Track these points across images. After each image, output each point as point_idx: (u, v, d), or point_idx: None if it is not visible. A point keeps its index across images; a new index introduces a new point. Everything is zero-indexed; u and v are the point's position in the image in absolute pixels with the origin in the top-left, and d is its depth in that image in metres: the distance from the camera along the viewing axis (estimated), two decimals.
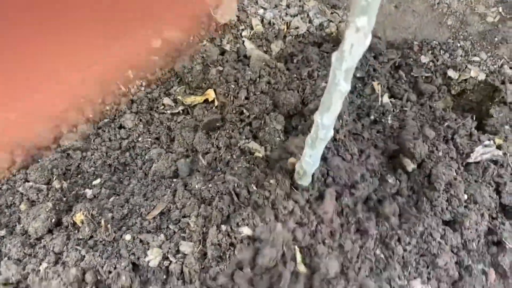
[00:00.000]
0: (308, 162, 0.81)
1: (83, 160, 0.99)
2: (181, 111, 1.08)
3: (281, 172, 0.90)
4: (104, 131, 1.04)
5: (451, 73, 1.14)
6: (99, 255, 0.79)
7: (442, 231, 0.92)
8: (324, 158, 0.94)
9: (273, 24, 1.18)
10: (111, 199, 0.93)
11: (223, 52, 1.13)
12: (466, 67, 1.15)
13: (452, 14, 1.19)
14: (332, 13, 1.20)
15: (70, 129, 1.01)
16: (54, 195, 0.89)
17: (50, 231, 0.84)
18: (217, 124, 1.02)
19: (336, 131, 0.98)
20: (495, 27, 1.18)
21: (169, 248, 0.79)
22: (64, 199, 0.91)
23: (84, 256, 0.78)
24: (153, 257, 0.78)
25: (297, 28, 1.19)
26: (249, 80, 1.06)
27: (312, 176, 0.88)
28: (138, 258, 0.78)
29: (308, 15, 1.20)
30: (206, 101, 1.08)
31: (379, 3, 0.52)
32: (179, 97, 1.08)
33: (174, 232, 0.82)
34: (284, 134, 1.02)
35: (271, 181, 0.91)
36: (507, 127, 1.12)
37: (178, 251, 0.79)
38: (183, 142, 1.01)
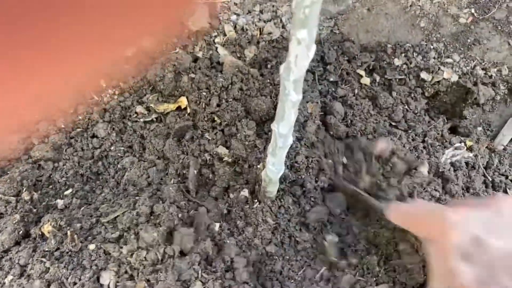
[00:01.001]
0: (272, 170, 0.81)
1: (54, 170, 0.99)
2: (154, 119, 1.08)
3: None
4: (77, 140, 1.04)
5: (424, 75, 1.15)
6: (64, 267, 0.79)
7: None
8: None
9: (246, 30, 1.18)
10: (82, 208, 0.94)
11: (195, 59, 1.13)
12: (439, 69, 1.15)
13: (425, 16, 1.19)
14: None
15: (41, 140, 1.01)
16: (23, 207, 0.90)
17: (17, 243, 0.84)
18: (189, 131, 1.02)
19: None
20: (468, 28, 1.18)
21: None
22: (34, 210, 0.91)
23: (49, 268, 0.79)
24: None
25: (270, 33, 1.19)
26: (221, 87, 1.06)
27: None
28: (100, 270, 0.79)
29: (281, 20, 1.20)
30: (179, 108, 1.08)
31: (318, 16, 0.52)
32: (152, 105, 1.08)
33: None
34: (256, 140, 1.02)
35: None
36: (479, 128, 1.12)
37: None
38: (154, 150, 1.01)
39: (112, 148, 1.04)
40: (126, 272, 0.80)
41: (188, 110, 1.06)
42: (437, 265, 0.63)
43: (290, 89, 0.61)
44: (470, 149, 1.05)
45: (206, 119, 1.02)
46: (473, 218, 0.57)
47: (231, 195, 0.94)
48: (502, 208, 0.57)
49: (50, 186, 0.98)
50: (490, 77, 1.15)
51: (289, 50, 0.56)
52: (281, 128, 0.69)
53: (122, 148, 1.04)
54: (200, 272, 0.78)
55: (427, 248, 0.69)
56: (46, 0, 0.26)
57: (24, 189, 0.93)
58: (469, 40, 1.18)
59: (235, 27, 1.18)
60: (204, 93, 1.04)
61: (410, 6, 1.20)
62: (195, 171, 0.96)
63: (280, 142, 0.73)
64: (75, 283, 0.78)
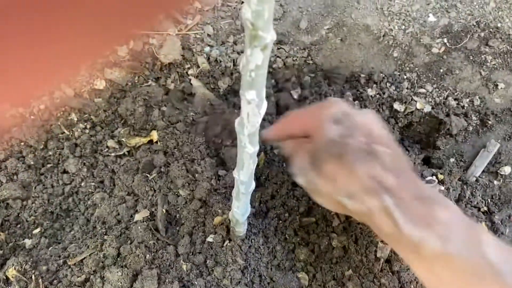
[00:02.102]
0: (237, 212, 0.81)
1: (23, 209, 0.98)
2: (126, 153, 1.07)
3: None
4: (47, 177, 1.03)
5: (397, 105, 1.15)
6: None
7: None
8: None
9: (220, 61, 1.18)
10: (50, 248, 0.93)
11: (167, 92, 1.13)
12: (412, 99, 1.15)
13: (398, 46, 1.20)
14: (278, 48, 1.20)
15: (9, 178, 1.00)
16: None
17: None
18: (156, 167, 1.02)
19: None
20: (441, 58, 1.19)
21: None
22: (1, 252, 0.90)
23: None
24: None
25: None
26: (192, 120, 1.06)
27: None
28: None
29: None
30: (150, 142, 1.07)
31: (265, 77, 0.52)
32: (123, 139, 1.07)
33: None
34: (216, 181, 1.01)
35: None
36: (452, 159, 1.12)
37: None
38: (123, 186, 1.00)
39: (82, 184, 1.03)
40: None
41: (159, 144, 1.06)
42: (316, 134, 0.72)
43: (245, 142, 0.61)
44: (442, 182, 1.04)
45: (174, 154, 1.02)
46: (343, 104, 0.74)
47: (200, 235, 0.93)
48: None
49: (18, 226, 0.96)
50: (463, 107, 1.15)
51: (241, 108, 0.56)
52: (242, 176, 0.69)
53: (93, 183, 1.03)
54: None
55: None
56: None
57: None
58: (441, 70, 1.18)
59: (208, 59, 1.18)
60: (173, 128, 1.04)
61: (383, 36, 1.21)
62: (164, 210, 0.95)
63: (242, 188, 0.73)
64: None
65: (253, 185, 0.73)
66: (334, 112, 0.71)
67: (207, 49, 1.19)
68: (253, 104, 0.54)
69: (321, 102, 0.74)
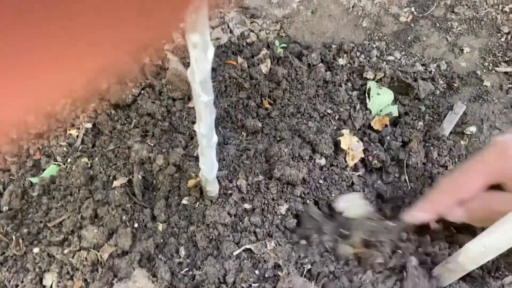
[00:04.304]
0: (204, 169, 0.85)
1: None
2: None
3: None
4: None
5: (367, 73, 1.19)
6: (7, 270, 0.83)
7: None
8: None
9: None
10: (30, 214, 0.97)
11: (143, 67, 1.17)
12: (381, 66, 1.19)
13: (367, 16, 1.23)
14: (251, 22, 1.24)
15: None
16: None
17: None
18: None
19: None
20: (408, 26, 1.23)
21: None
22: None
23: None
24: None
25: (218, 39, 1.23)
26: (167, 96, 1.10)
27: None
28: (43, 272, 0.82)
29: (228, 26, 1.24)
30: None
31: (207, 20, 0.56)
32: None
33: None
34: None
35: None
36: (420, 122, 1.16)
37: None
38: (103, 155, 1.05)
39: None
40: (68, 272, 0.83)
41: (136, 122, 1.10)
42: None
43: (199, 91, 0.65)
44: (410, 142, 1.09)
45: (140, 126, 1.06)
46: None
47: (176, 198, 0.97)
48: None
49: (1, 195, 1.01)
50: (430, 72, 1.19)
51: (190, 54, 0.60)
52: (202, 128, 0.73)
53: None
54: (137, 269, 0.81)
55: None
56: None
57: None
58: (409, 38, 1.22)
59: (183, 35, 1.22)
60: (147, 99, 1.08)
61: (353, 7, 1.25)
62: (140, 176, 0.99)
63: (204, 142, 0.76)
64: (17, 285, 0.81)
65: (215, 138, 0.77)
66: None
67: (182, 24, 1.23)
68: (199, 47, 0.58)
69: (489, 148, 0.71)
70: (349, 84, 1.19)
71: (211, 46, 0.59)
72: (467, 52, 1.20)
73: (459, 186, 0.72)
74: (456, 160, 1.10)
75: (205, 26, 0.56)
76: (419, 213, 0.76)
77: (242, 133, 1.14)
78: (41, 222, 0.94)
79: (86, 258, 0.83)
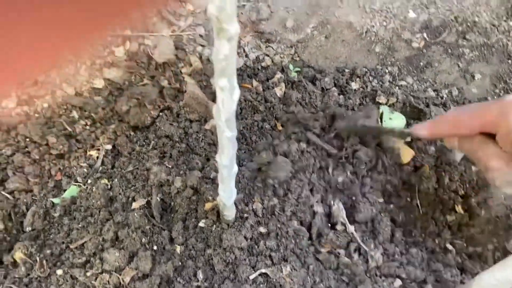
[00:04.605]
0: (223, 196, 0.88)
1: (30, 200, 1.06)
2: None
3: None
4: (50, 171, 1.11)
5: (379, 98, 1.21)
6: None
7: None
8: None
9: (212, 60, 1.25)
10: (53, 235, 1.00)
11: (161, 90, 1.20)
12: (393, 91, 1.22)
13: (379, 41, 1.26)
14: (266, 46, 1.27)
15: (16, 171, 1.08)
16: None
17: None
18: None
19: None
20: (421, 51, 1.25)
21: None
22: (8, 238, 0.98)
23: None
24: None
25: None
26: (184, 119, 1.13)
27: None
28: None
29: (244, 50, 1.27)
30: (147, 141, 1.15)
31: (235, 65, 0.59)
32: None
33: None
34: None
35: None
36: (432, 147, 1.18)
37: None
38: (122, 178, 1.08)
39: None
40: None
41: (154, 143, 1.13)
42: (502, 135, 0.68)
43: (224, 128, 0.68)
44: (422, 167, 1.11)
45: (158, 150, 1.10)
46: None
47: (193, 220, 1.00)
48: None
49: (25, 216, 1.04)
50: (442, 98, 1.21)
51: (216, 95, 0.63)
52: (224, 160, 0.76)
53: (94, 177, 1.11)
54: None
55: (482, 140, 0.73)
56: None
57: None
58: (421, 63, 1.25)
59: (200, 58, 1.26)
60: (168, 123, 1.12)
61: (366, 32, 1.27)
62: (158, 198, 1.02)
63: (225, 172, 0.79)
64: None
65: (235, 168, 0.79)
66: None
67: (199, 48, 1.27)
68: (226, 90, 0.61)
69: (497, 102, 0.72)
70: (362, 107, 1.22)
71: (237, 88, 0.62)
72: (478, 79, 1.22)
73: (459, 120, 0.76)
74: (467, 185, 1.12)
75: (233, 71, 0.59)
76: (422, 130, 0.81)
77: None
78: (63, 243, 0.97)
79: (108, 281, 0.86)
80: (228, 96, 0.62)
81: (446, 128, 0.78)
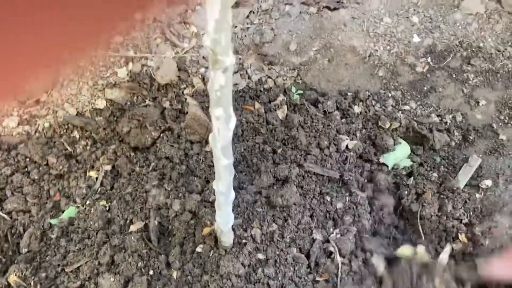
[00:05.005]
0: (220, 222, 0.86)
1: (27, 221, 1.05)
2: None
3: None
4: (49, 191, 1.10)
5: (382, 122, 1.20)
6: None
7: None
8: None
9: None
10: (49, 257, 0.99)
11: (163, 111, 1.20)
12: (396, 116, 1.20)
13: (383, 65, 1.25)
14: (269, 68, 1.27)
15: (14, 192, 1.08)
16: None
17: None
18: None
19: None
20: (425, 76, 1.25)
21: None
22: (4, 260, 0.97)
23: None
24: None
25: (236, 84, 1.26)
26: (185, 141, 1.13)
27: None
28: None
29: (247, 72, 1.27)
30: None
31: (231, 95, 0.58)
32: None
33: None
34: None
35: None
36: (435, 174, 1.16)
37: None
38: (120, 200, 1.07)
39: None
40: None
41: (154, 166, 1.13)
42: None
43: (219, 155, 0.67)
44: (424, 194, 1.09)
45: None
46: None
47: (190, 245, 0.99)
48: None
49: (20, 237, 1.03)
50: (445, 123, 1.20)
51: (212, 124, 0.62)
52: (221, 187, 0.75)
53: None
54: None
55: None
56: None
57: None
58: (425, 88, 1.24)
59: (203, 79, 1.26)
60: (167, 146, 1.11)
61: (369, 56, 1.27)
62: (156, 222, 1.01)
63: (222, 199, 0.78)
64: None
65: (232, 195, 0.78)
66: None
67: (202, 70, 1.27)
68: (222, 119, 0.60)
69: None
70: (364, 132, 1.21)
71: (233, 117, 0.61)
72: (483, 105, 1.21)
73: None
74: (471, 213, 1.10)
75: (228, 102, 0.58)
76: (498, 268, 0.75)
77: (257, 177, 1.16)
78: (59, 265, 0.96)
79: None
80: (224, 125, 0.61)
81: None
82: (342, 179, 1.13)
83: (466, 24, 1.30)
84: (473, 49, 1.26)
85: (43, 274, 0.93)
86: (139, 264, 0.94)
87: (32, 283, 0.90)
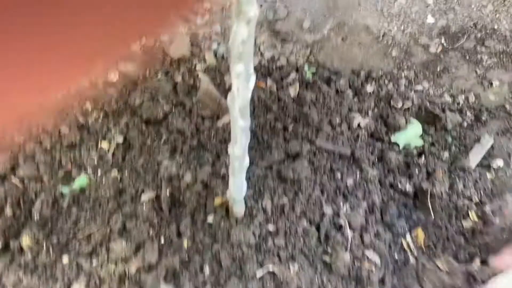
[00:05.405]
0: (234, 190, 0.87)
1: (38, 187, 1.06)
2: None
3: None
4: (61, 160, 1.11)
5: (394, 102, 1.20)
6: (38, 278, 0.85)
7: None
8: None
9: (226, 57, 1.25)
10: (61, 224, 1.00)
11: (175, 85, 1.20)
12: (409, 96, 1.20)
13: (396, 45, 1.25)
14: (282, 46, 1.27)
15: (27, 159, 1.08)
16: (5, 222, 0.96)
17: None
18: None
19: None
20: (438, 57, 1.24)
21: None
22: (16, 225, 0.98)
23: (22, 279, 0.84)
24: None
25: None
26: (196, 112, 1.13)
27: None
28: (71, 281, 0.84)
29: (259, 49, 1.27)
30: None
31: (252, 51, 0.58)
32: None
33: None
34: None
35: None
36: (446, 153, 1.16)
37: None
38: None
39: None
40: (95, 284, 0.85)
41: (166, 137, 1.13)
42: None
43: (237, 116, 0.67)
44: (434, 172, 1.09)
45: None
46: None
47: (201, 215, 0.99)
48: None
49: (33, 203, 1.04)
50: (458, 104, 1.19)
51: (232, 82, 0.62)
52: (236, 150, 0.75)
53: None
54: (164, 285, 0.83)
55: None
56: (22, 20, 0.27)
57: (8, 205, 0.99)
58: (438, 69, 1.23)
59: (215, 55, 1.25)
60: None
61: (383, 36, 1.26)
62: (167, 192, 1.01)
63: (236, 163, 0.78)
64: None
65: (247, 160, 0.79)
66: None
67: (214, 45, 1.27)
68: (242, 77, 0.60)
69: None
70: (376, 111, 1.21)
71: (253, 76, 0.61)
72: (496, 86, 1.20)
73: None
74: (482, 192, 1.10)
75: (249, 58, 0.58)
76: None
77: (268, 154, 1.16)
78: (70, 232, 0.97)
79: (114, 271, 0.85)
80: (243, 83, 0.61)
81: None
82: (353, 156, 1.13)
83: (481, 6, 1.29)
84: (488, 31, 1.26)
85: (55, 239, 0.94)
86: (151, 232, 0.95)
87: (44, 246, 0.90)
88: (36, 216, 1.00)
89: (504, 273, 0.71)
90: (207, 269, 0.91)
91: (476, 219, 1.05)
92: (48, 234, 0.95)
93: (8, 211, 0.98)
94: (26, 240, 0.90)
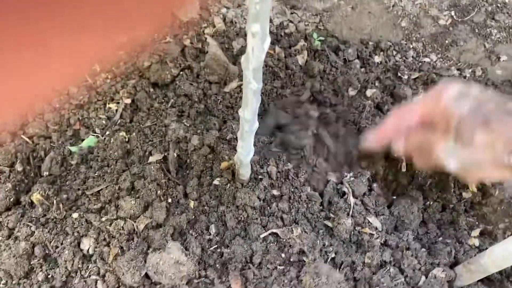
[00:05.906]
0: (241, 153, 0.88)
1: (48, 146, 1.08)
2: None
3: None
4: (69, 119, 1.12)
5: (401, 73, 1.20)
6: (49, 232, 0.87)
7: None
8: None
9: (235, 22, 1.25)
10: (69, 181, 1.02)
11: (183, 48, 1.20)
12: (416, 67, 1.21)
13: (406, 16, 1.24)
14: (292, 13, 1.26)
15: (35, 117, 1.09)
16: (16, 177, 0.98)
17: (8, 209, 0.93)
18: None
19: None
20: (447, 29, 1.24)
21: None
22: (26, 180, 1.00)
23: (34, 232, 0.87)
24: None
25: None
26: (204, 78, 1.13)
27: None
28: (81, 236, 0.87)
29: None
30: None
31: (269, 12, 0.58)
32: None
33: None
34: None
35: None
36: None
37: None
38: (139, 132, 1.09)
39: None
40: (104, 239, 0.88)
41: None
42: (444, 117, 0.67)
43: (250, 78, 0.68)
44: None
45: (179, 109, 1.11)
46: (455, 83, 0.68)
47: (208, 178, 1.01)
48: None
49: (43, 161, 1.05)
50: (465, 77, 1.20)
51: (247, 42, 0.63)
52: (246, 114, 0.76)
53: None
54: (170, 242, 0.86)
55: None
56: None
57: (18, 161, 1.00)
58: (447, 41, 1.23)
59: (224, 20, 1.25)
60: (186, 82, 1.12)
61: (393, 6, 1.26)
62: (175, 154, 1.03)
63: (246, 126, 0.79)
64: (57, 247, 0.86)
65: (256, 124, 0.80)
66: (454, 92, 0.67)
67: (223, 10, 1.26)
68: (257, 37, 0.60)
69: (430, 91, 0.72)
70: (383, 81, 1.21)
71: (268, 37, 0.62)
72: (504, 61, 1.20)
73: (400, 118, 0.74)
74: None
75: (266, 17, 0.59)
76: (369, 139, 0.78)
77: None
78: (79, 189, 0.99)
79: (122, 227, 0.87)
80: (259, 44, 0.62)
81: (391, 128, 0.75)
82: (358, 126, 1.14)
83: None
84: (498, 4, 1.25)
85: (65, 195, 0.96)
86: (158, 192, 0.97)
87: (54, 202, 0.92)
88: (45, 173, 1.02)
89: (501, 243, 0.73)
90: (213, 229, 0.94)
91: (475, 190, 1.08)
92: (58, 191, 0.97)
93: (18, 167, 1.00)
94: (36, 196, 0.92)
